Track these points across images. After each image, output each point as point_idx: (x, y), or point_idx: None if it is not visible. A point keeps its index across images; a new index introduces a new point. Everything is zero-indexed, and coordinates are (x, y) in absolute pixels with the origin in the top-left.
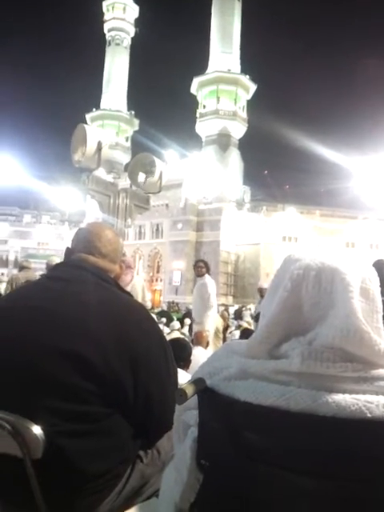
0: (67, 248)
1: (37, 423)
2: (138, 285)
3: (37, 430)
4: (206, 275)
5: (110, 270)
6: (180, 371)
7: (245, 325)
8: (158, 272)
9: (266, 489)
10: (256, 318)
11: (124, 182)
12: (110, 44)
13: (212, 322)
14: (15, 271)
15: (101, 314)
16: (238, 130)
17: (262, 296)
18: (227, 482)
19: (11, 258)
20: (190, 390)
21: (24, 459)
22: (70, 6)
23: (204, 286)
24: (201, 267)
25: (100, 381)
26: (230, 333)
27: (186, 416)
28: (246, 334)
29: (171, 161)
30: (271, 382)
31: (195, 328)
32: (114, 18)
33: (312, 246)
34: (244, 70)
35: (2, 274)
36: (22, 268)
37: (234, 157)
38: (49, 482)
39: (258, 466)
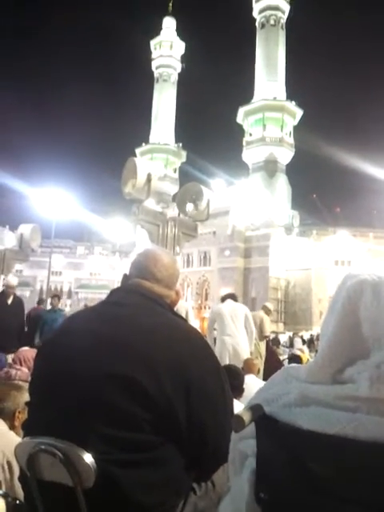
0: (124, 274)
1: (88, 451)
2: (182, 309)
3: (88, 458)
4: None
5: (164, 295)
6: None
7: (298, 353)
8: (206, 299)
9: None
10: None
11: (172, 211)
12: (157, 81)
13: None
14: (69, 301)
15: (154, 339)
16: (285, 155)
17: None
18: None
19: (65, 288)
20: (247, 417)
21: (75, 488)
22: (120, 48)
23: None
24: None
25: (153, 407)
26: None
27: (243, 445)
28: (295, 361)
29: (218, 189)
30: (336, 408)
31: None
32: (161, 56)
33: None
34: (290, 97)
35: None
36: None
37: (282, 182)
38: None
39: (323, 500)
